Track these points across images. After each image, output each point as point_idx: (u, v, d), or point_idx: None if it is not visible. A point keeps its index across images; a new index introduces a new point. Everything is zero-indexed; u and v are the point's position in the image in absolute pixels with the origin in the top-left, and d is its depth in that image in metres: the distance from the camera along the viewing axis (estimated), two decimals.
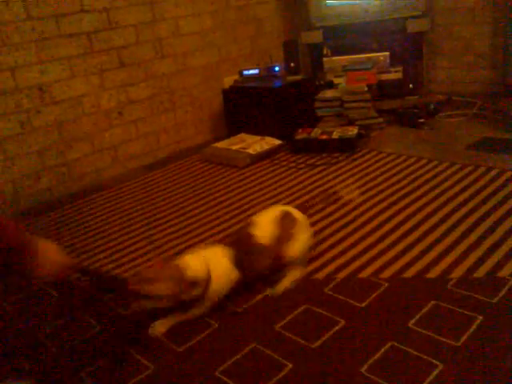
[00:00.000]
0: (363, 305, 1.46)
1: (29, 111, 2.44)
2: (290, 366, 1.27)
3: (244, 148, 2.74)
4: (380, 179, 2.32)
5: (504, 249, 1.64)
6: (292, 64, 3.17)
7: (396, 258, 1.68)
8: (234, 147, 2.77)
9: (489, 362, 1.21)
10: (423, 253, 1.68)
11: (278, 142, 2.81)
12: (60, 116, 2.55)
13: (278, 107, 2.93)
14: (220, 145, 2.85)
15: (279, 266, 1.62)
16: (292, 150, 2.77)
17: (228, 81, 3.18)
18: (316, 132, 2.80)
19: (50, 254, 1.30)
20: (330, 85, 3.20)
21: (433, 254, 1.67)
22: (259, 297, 1.57)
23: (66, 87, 2.55)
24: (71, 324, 1.55)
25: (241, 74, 3.15)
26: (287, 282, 1.59)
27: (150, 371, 1.32)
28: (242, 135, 2.94)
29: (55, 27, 2.47)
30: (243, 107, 3.04)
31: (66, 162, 2.61)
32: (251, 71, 3.16)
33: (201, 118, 3.18)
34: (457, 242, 1.72)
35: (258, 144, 2.77)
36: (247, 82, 3.11)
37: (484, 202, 1.98)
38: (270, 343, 1.36)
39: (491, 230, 1.77)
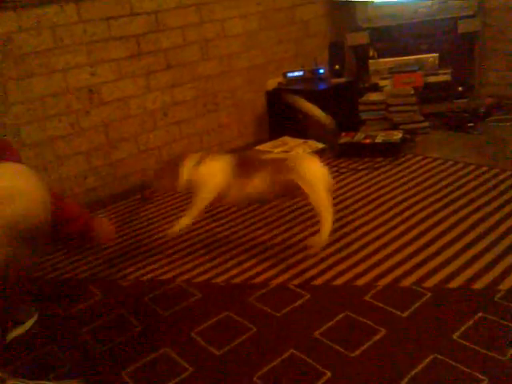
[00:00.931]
0: (405, 314, 1.43)
1: (78, 112, 2.51)
2: (329, 374, 1.26)
3: (286, 151, 2.73)
4: (425, 185, 2.26)
5: None
6: (337, 66, 3.14)
7: (441, 266, 1.63)
8: (276, 150, 2.76)
9: None
10: (470, 262, 1.63)
11: (320, 145, 2.79)
12: (107, 117, 2.61)
13: (322, 110, 2.90)
14: (262, 147, 2.84)
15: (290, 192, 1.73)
16: (335, 153, 2.74)
17: (272, 83, 3.17)
18: (359, 136, 2.76)
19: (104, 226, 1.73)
20: (375, 87, 3.15)
21: (480, 264, 1.61)
22: (299, 302, 1.55)
23: (114, 88, 2.61)
24: (112, 323, 1.58)
25: (285, 75, 3.14)
26: (326, 229, 1.61)
27: (189, 373, 1.33)
28: (285, 138, 2.93)
29: (106, 30, 2.53)
30: (286, 110, 3.03)
31: (112, 162, 2.67)
32: (296, 73, 3.15)
33: (244, 120, 3.19)
34: (506, 252, 1.66)
35: (300, 147, 2.76)
36: (291, 84, 3.09)
37: None
38: (308, 350, 1.35)
39: None
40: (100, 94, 2.56)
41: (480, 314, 1.39)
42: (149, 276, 1.82)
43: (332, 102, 2.94)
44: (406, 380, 1.20)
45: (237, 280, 1.72)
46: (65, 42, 2.41)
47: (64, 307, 1.69)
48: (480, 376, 1.18)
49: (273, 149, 2.79)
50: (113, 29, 2.55)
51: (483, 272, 1.57)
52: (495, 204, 1.99)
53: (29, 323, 1.57)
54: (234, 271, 1.77)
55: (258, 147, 2.86)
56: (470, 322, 1.36)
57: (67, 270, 1.93)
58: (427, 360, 1.25)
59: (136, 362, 1.39)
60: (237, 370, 1.32)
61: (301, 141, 2.84)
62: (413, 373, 1.22)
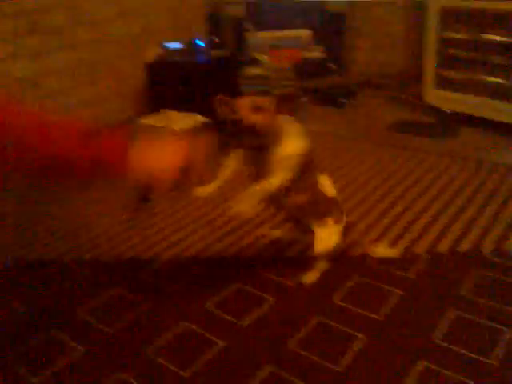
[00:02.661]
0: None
1: None
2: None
3: (169, 124, 2.68)
4: None
5: (421, 223, 1.76)
6: (215, 38, 3.11)
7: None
8: (159, 124, 2.70)
9: None
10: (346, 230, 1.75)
11: (202, 118, 2.77)
12: None
13: (203, 83, 2.88)
14: (146, 121, 2.76)
15: None
16: (217, 127, 2.75)
17: (151, 54, 3.07)
18: None
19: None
20: (254, 61, 3.19)
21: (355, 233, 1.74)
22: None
23: None
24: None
25: (164, 47, 3.05)
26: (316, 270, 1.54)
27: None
28: (167, 112, 2.86)
29: None
30: (167, 82, 2.97)
31: None
32: (174, 45, 3.07)
33: (124, 92, 3.04)
34: (377, 221, 1.82)
35: (182, 120, 2.72)
36: (170, 56, 3.02)
37: (401, 181, 2.11)
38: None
39: (409, 205, 1.89)
40: None
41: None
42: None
43: (212, 74, 2.92)
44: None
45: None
46: None
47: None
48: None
49: (156, 122, 2.72)
50: None
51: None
52: (369, 174, 2.18)
53: None
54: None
55: (141, 120, 2.77)
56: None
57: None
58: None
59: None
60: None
61: (183, 114, 2.80)
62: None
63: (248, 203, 1.36)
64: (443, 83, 2.73)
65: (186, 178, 1.12)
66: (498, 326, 1.29)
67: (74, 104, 2.79)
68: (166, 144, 1.13)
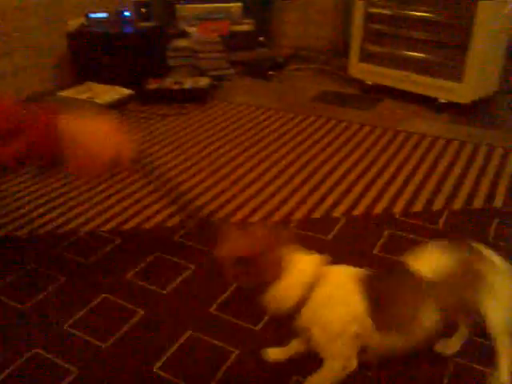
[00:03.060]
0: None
1: None
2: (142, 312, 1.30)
3: (92, 98, 2.60)
4: (231, 128, 2.38)
5: (340, 189, 1.83)
6: (143, 9, 3.04)
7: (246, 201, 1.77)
8: (81, 97, 2.62)
9: None
10: (269, 197, 1.80)
11: (128, 91, 2.72)
12: None
13: (129, 55, 2.81)
14: (66, 94, 2.67)
15: None
16: (143, 99, 2.70)
17: (73, 24, 2.94)
18: (168, 82, 2.75)
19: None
20: (183, 34, 3.15)
21: (277, 198, 1.79)
22: (109, 247, 1.55)
23: None
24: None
25: (87, 17, 2.94)
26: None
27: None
28: (90, 84, 2.78)
29: None
30: (91, 54, 2.87)
31: None
32: (99, 15, 2.97)
33: (44, 63, 2.92)
34: (299, 187, 1.86)
35: (107, 94, 2.65)
36: (95, 26, 2.92)
37: (323, 149, 2.16)
38: (121, 293, 1.37)
39: (329, 172, 1.95)
40: None
41: None
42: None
43: (139, 46, 2.86)
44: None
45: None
46: None
47: None
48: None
49: (78, 95, 2.63)
50: None
51: (281, 205, 1.75)
52: (291, 144, 2.21)
53: None
54: None
55: (61, 93, 2.67)
56: None
57: None
58: None
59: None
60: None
61: (107, 86, 2.72)
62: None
63: None
64: (367, 57, 2.79)
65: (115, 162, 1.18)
66: None
67: None
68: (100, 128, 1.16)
